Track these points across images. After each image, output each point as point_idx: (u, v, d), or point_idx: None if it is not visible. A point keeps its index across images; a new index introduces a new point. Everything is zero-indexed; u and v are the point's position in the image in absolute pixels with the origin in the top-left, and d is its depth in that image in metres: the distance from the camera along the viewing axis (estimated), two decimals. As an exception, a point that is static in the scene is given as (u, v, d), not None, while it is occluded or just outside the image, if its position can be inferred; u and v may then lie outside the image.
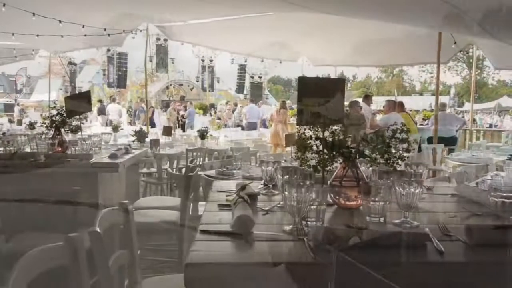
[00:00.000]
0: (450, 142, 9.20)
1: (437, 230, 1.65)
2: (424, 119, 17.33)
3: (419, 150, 8.25)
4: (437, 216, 1.92)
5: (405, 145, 1.92)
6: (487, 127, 21.10)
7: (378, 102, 18.56)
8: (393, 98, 14.47)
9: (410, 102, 22.95)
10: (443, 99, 21.43)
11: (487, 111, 30.15)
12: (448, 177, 4.05)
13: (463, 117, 15.26)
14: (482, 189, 2.15)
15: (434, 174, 7.55)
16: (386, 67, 31.97)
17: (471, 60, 24.30)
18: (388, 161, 1.91)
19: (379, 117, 9.57)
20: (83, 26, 8.08)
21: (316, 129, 1.96)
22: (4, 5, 6.44)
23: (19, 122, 13.42)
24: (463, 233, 1.55)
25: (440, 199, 2.32)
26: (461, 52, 22.38)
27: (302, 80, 2.11)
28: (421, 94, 41.00)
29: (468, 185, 2.53)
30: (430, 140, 8.71)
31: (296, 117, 2.26)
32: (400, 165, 1.96)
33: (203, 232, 1.63)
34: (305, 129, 1.99)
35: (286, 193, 1.61)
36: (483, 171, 5.52)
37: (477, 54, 14.67)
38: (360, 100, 9.75)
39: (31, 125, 7.48)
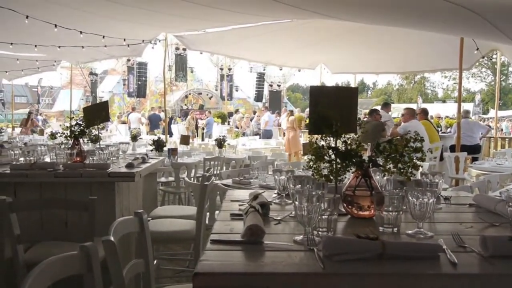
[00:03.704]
0: (473, 150, 9.02)
1: (452, 241, 1.61)
2: (447, 127, 17.03)
3: (441, 158, 8.11)
4: (453, 226, 1.87)
5: (419, 154, 1.88)
6: (514, 135, 20.61)
7: (400, 109, 18.32)
8: (414, 106, 14.29)
9: (433, 109, 22.57)
10: (467, 106, 21.07)
11: (515, 118, 29.45)
12: (470, 186, 3.95)
13: (487, 124, 14.96)
14: (501, 198, 2.09)
15: (457, 183, 7.39)
16: (407, 73, 31.63)
17: (495, 66, 23.83)
18: (402, 171, 1.88)
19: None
20: (103, 37, 8.24)
21: (328, 139, 1.95)
22: (27, 17, 6.62)
23: (41, 132, 13.65)
24: (478, 244, 1.51)
25: (457, 209, 2.26)
26: (485, 58, 21.99)
27: (314, 89, 2.10)
28: (443, 101, 40.38)
29: (486, 195, 2.47)
30: (452, 148, 8.54)
31: (307, 126, 2.24)
32: (414, 175, 1.93)
33: (214, 241, 1.62)
34: (317, 139, 1.97)
35: (297, 202, 1.59)
36: (508, 180, 5.37)
37: (501, 60, 14.41)
38: (378, 108, 9.67)
39: (53, 135, 7.60)
